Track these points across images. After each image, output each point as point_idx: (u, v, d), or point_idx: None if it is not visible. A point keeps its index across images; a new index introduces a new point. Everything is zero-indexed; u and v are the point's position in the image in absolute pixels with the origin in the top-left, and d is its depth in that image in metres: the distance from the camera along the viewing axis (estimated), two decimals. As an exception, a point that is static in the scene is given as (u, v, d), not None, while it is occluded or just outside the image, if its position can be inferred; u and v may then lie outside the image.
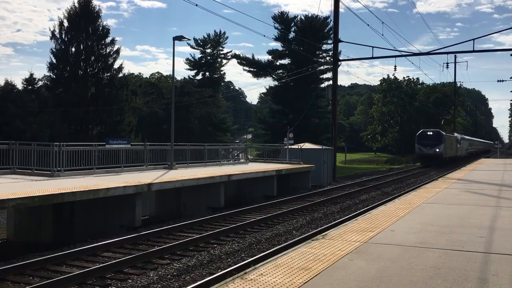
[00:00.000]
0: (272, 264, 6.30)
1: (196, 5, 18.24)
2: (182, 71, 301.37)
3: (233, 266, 9.22)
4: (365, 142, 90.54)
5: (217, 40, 64.28)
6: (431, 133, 48.97)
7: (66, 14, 38.63)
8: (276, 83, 57.64)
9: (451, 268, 6.03)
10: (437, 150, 47.50)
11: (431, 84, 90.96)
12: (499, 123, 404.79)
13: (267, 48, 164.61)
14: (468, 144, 69.12)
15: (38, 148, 17.31)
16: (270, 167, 24.53)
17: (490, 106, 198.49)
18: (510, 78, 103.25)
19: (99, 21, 39.37)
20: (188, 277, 8.82)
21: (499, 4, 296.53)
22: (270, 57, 59.22)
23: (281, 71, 58.23)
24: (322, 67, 55.43)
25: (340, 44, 32.42)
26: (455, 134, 58.76)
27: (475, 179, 20.31)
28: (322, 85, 55.77)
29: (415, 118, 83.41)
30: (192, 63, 64.01)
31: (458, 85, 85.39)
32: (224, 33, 64.89)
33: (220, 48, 64.81)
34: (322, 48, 56.98)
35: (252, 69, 59.98)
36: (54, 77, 38.05)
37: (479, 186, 17.33)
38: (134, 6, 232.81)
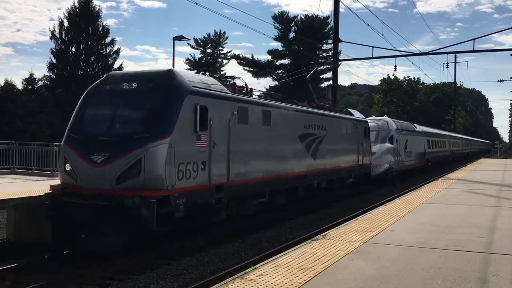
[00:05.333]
0: (272, 264, 6.29)
1: (196, 3, 18.14)
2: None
3: (233, 266, 9.20)
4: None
5: (217, 40, 64.26)
6: (131, 87, 10.21)
7: (66, 14, 38.73)
8: (276, 83, 57.62)
9: (451, 268, 6.02)
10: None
11: (431, 84, 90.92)
12: (499, 123, 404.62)
13: (267, 48, 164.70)
14: (428, 143, 36.01)
15: (38, 148, 17.32)
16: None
17: (490, 106, 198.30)
18: (510, 78, 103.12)
19: (99, 21, 39.42)
20: (188, 277, 8.80)
21: (499, 4, 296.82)
22: (270, 57, 59.26)
23: (281, 71, 58.21)
24: (322, 67, 55.43)
25: (340, 44, 32.35)
26: (359, 116, 22.83)
27: (476, 179, 20.30)
28: (322, 85, 55.76)
29: (415, 118, 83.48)
30: (192, 63, 63.99)
31: (458, 85, 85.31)
32: (224, 33, 64.88)
33: (220, 48, 64.82)
34: (322, 48, 56.99)
35: (252, 69, 59.95)
36: (54, 77, 38.07)
37: (479, 186, 17.33)
38: (134, 6, 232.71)
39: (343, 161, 18.96)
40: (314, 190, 16.75)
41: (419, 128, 35.03)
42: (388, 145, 25.88)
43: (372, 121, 26.65)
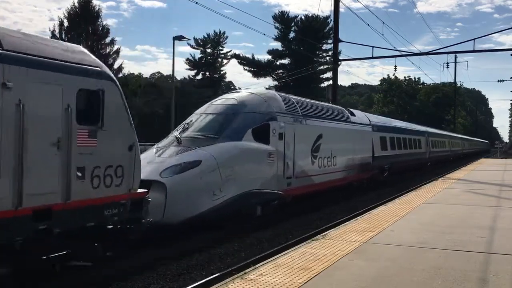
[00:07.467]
0: (272, 264, 6.29)
1: (196, 2, 18.11)
2: (182, 71, 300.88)
3: (233, 266, 9.20)
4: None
5: (217, 40, 64.31)
6: None
7: (66, 14, 38.78)
8: (276, 83, 57.66)
9: (451, 268, 6.02)
10: None
11: (431, 84, 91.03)
12: (499, 123, 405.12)
13: (267, 48, 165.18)
14: (382, 141, 22.23)
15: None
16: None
17: (490, 106, 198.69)
18: (510, 78, 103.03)
19: (99, 21, 39.46)
20: (188, 277, 8.80)
21: (500, 4, 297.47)
22: (270, 57, 59.32)
23: (281, 71, 58.27)
24: (322, 67, 55.47)
25: (340, 44, 32.38)
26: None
27: (476, 179, 20.30)
28: (322, 85, 55.84)
29: (415, 118, 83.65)
30: (192, 63, 64.02)
31: (458, 85, 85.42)
32: (224, 33, 64.96)
33: (220, 48, 64.88)
34: (322, 48, 57.06)
35: (252, 69, 59.99)
36: (54, 77, 38.11)
37: (479, 186, 17.32)
38: (134, 6, 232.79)
39: None
40: None
41: (362, 116, 21.42)
42: (246, 144, 11.97)
43: (230, 95, 13.75)
